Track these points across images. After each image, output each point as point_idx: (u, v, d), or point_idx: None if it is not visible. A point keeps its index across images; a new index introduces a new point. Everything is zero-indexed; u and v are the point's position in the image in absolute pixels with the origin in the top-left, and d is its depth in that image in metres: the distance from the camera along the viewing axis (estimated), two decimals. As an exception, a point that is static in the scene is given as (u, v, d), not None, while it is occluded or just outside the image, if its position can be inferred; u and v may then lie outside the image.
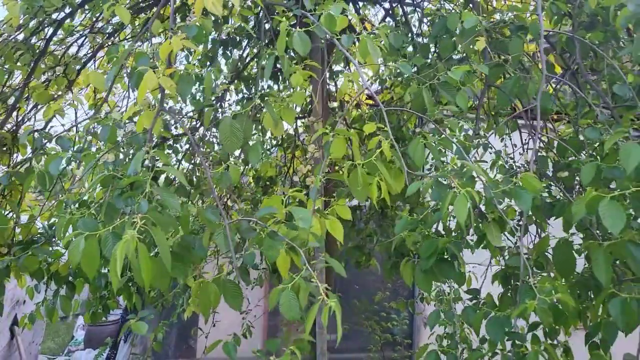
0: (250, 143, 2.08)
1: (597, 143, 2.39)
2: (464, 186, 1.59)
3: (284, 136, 4.46)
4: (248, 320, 4.35)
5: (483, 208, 2.02)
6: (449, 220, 2.58)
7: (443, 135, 1.92)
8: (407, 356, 5.10)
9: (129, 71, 2.22)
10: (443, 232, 2.31)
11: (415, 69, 2.41)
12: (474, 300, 2.05)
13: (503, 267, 2.19)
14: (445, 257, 2.01)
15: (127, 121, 2.20)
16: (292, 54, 3.74)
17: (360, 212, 4.31)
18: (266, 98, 2.21)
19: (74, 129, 2.51)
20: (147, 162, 1.77)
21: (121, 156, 1.96)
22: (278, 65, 2.17)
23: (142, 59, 2.03)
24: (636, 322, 1.52)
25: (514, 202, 2.40)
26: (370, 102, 4.41)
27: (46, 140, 2.23)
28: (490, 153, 3.42)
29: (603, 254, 1.61)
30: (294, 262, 1.82)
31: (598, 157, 2.03)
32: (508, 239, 2.39)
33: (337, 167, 3.58)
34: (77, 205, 2.06)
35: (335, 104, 3.44)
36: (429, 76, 2.09)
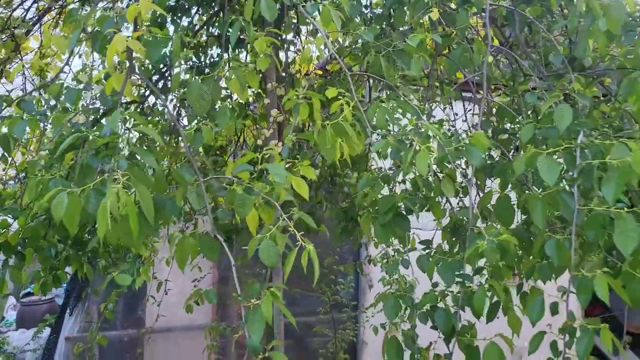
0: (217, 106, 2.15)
1: (532, 109, 2.66)
2: (423, 143, 1.76)
3: (234, 105, 4.49)
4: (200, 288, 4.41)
5: (435, 167, 2.23)
6: (400, 183, 2.80)
7: (401, 99, 2.08)
8: (353, 316, 5.38)
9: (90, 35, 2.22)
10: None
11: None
12: (427, 249, 2.26)
13: (450, 221, 2.41)
14: (401, 212, 2.22)
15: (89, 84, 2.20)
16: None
17: (310, 180, 4.44)
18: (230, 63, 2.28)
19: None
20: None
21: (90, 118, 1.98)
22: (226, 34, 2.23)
23: (107, 22, 2.04)
24: (568, 260, 1.77)
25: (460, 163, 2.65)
26: (320, 72, 4.52)
27: (6, 105, 2.19)
28: (433, 122, 3.66)
29: (540, 203, 1.85)
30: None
31: (534, 120, 2.28)
32: (449, 202, 2.63)
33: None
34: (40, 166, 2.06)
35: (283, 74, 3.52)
36: (387, 44, 2.24)
